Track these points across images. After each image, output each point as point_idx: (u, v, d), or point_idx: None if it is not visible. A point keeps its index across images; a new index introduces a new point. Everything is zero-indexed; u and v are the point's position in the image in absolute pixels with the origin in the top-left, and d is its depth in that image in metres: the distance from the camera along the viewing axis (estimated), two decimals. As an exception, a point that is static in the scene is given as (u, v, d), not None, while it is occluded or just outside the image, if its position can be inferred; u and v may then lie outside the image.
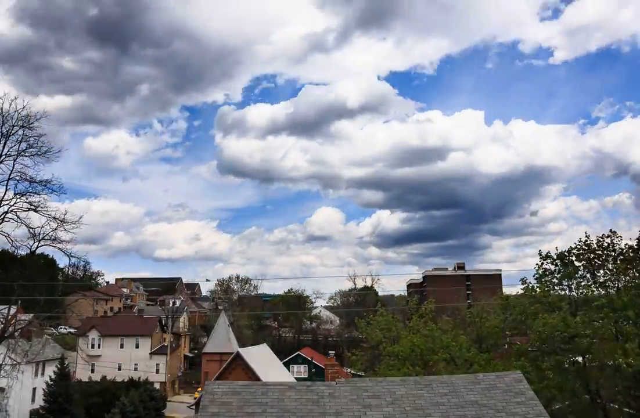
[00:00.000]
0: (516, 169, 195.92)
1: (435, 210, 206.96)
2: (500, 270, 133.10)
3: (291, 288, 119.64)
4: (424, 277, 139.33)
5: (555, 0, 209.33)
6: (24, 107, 35.31)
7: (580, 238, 30.51)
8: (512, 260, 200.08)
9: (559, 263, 30.21)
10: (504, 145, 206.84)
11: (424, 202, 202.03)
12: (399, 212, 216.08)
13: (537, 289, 30.14)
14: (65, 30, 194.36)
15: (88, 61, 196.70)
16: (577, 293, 29.94)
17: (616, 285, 29.47)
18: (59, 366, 47.84)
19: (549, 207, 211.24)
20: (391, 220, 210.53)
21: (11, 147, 35.72)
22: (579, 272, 29.93)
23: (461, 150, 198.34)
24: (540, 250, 31.09)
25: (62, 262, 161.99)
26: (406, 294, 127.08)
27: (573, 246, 30.35)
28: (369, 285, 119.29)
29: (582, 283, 29.97)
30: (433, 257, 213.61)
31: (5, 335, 34.47)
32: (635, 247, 29.16)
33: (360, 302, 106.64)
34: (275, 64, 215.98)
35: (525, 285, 30.65)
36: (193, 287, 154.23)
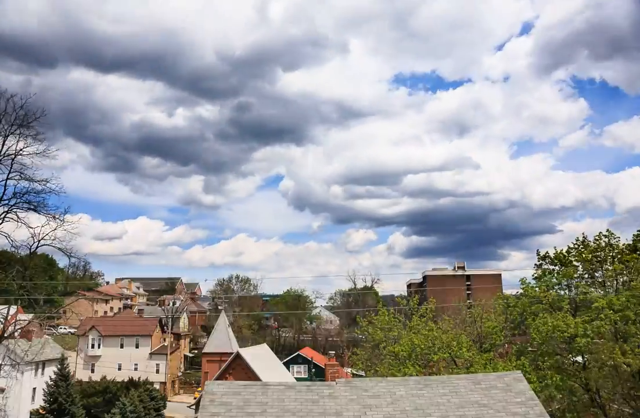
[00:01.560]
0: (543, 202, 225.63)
1: (462, 227, 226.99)
2: (500, 270, 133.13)
3: (291, 288, 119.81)
4: (424, 277, 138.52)
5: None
6: (22, 106, 34.84)
7: (577, 238, 30.55)
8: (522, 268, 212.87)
9: (558, 263, 30.20)
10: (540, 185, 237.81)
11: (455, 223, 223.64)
12: (431, 234, 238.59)
13: (537, 289, 30.10)
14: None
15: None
16: (576, 293, 29.90)
17: (615, 285, 29.45)
18: (59, 366, 47.79)
19: (562, 226, 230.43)
20: (415, 237, 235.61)
21: (9, 147, 35.36)
22: (578, 272, 29.89)
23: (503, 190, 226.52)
24: (538, 250, 31.11)
25: (62, 262, 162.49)
26: (406, 294, 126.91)
27: (571, 246, 30.37)
28: (369, 286, 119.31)
29: (582, 283, 29.96)
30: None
31: (5, 335, 34.41)
32: (633, 246, 29.17)
33: (360, 302, 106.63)
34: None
35: (524, 286, 30.62)
36: (193, 287, 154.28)
